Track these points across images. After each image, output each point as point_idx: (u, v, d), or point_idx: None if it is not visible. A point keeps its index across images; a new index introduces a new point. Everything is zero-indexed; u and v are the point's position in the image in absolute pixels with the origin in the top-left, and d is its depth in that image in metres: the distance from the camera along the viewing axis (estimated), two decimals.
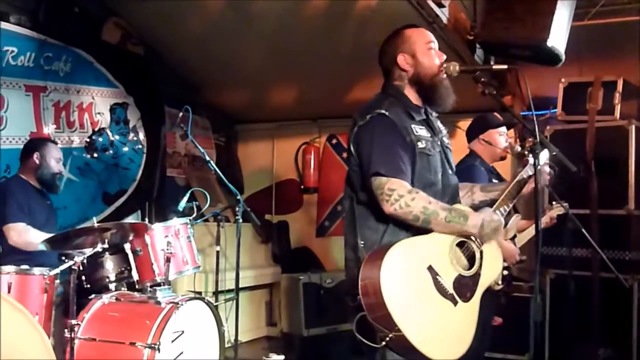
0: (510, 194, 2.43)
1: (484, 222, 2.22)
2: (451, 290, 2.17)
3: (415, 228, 2.18)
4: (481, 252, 2.28)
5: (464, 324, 2.21)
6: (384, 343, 2.05)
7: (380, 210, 2.17)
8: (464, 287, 2.21)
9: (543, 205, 3.88)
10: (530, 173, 2.45)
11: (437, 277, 2.14)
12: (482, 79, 2.37)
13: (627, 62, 4.97)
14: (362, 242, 2.24)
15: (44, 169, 3.83)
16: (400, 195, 2.12)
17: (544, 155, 2.49)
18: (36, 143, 3.99)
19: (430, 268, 2.14)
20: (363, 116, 2.28)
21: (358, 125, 2.28)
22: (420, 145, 2.27)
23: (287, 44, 5.34)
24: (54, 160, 3.87)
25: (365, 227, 2.25)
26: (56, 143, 4.23)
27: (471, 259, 2.26)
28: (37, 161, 3.82)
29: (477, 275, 2.27)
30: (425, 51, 2.36)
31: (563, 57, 3.93)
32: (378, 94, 2.42)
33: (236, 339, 4.35)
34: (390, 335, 2.02)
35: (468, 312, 2.22)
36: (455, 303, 2.17)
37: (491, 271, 2.32)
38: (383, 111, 2.25)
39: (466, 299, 2.21)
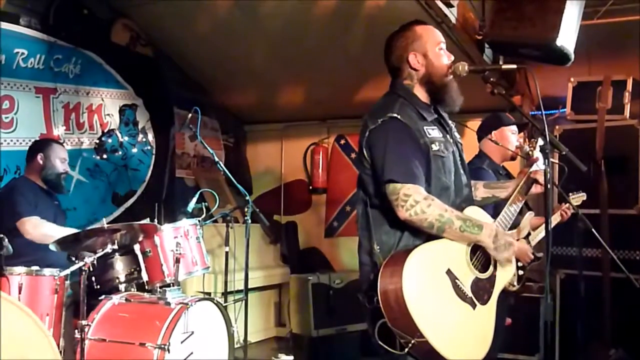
0: (519, 194, 2.42)
1: (498, 233, 2.20)
2: (470, 294, 2.16)
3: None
4: None
5: (483, 327, 2.21)
6: (406, 350, 2.03)
7: (395, 215, 2.15)
8: (481, 290, 2.21)
9: (553, 205, 3.86)
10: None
11: (456, 280, 2.14)
12: (491, 79, 2.35)
13: (636, 61, 4.94)
14: (378, 247, 2.21)
15: (48, 170, 3.83)
16: (416, 201, 2.10)
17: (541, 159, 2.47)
18: (40, 144, 4.00)
19: (449, 272, 2.13)
20: (374, 119, 2.23)
21: (369, 129, 2.23)
22: (435, 147, 2.24)
23: (295, 45, 5.35)
24: (59, 161, 3.87)
25: (381, 231, 2.23)
26: (61, 143, 4.23)
27: (486, 262, 2.25)
28: (41, 162, 3.83)
29: (492, 277, 2.26)
30: (437, 51, 2.33)
31: (572, 57, 3.91)
32: (387, 94, 2.38)
33: (245, 340, 4.36)
34: (412, 342, 2.01)
35: (486, 315, 2.22)
36: (474, 306, 2.17)
37: (505, 273, 2.31)
38: (395, 114, 2.21)
39: (484, 301, 2.21)
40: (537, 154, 2.44)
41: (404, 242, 2.19)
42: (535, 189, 2.48)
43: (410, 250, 2.10)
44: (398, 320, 2.03)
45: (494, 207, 2.61)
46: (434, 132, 2.27)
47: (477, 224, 2.17)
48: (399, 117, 2.21)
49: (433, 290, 2.09)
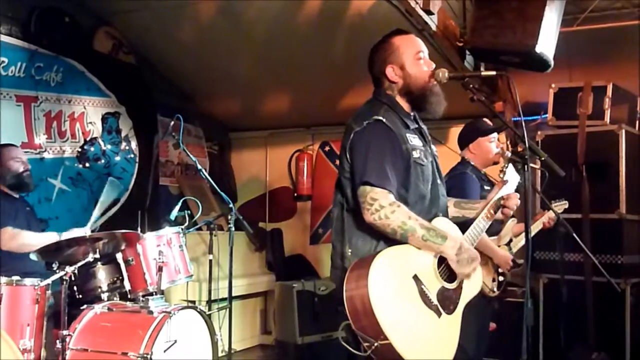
0: (489, 211, 2.42)
1: (463, 246, 2.19)
2: (435, 302, 2.15)
3: None
4: None
5: (447, 336, 2.20)
6: (369, 352, 2.01)
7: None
8: (447, 300, 2.20)
9: (535, 211, 3.89)
10: (506, 192, 2.45)
11: (422, 286, 2.13)
12: (471, 85, 2.37)
13: (616, 67, 5.01)
14: (350, 251, 2.22)
15: (6, 175, 3.75)
16: (381, 206, 2.11)
17: (514, 177, 2.47)
18: None
19: (415, 277, 2.12)
20: (359, 122, 2.24)
21: (354, 131, 2.24)
22: (415, 155, 2.25)
23: (279, 52, 5.36)
24: (12, 161, 3.78)
25: (357, 235, 2.23)
26: (12, 144, 4.05)
27: (453, 272, 2.24)
28: None
29: (459, 288, 2.26)
30: (415, 61, 2.34)
31: (552, 63, 3.96)
32: (371, 100, 2.40)
33: (230, 348, 4.33)
34: (375, 344, 2.00)
35: (451, 325, 2.21)
36: (439, 314, 2.16)
37: (473, 285, 2.31)
38: (380, 117, 2.23)
39: (449, 311, 2.20)
40: (507, 176, 2.45)
41: (381, 247, 2.18)
42: (501, 215, 2.48)
43: (377, 253, 2.10)
44: (362, 322, 2.02)
45: None
46: (415, 140, 2.30)
47: (441, 235, 2.17)
48: (383, 120, 2.23)
49: (399, 294, 2.08)
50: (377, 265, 2.05)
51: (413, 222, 2.13)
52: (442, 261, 2.21)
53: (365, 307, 2.00)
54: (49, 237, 3.51)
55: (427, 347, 2.11)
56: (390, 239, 2.17)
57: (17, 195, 3.83)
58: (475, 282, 2.33)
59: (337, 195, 2.33)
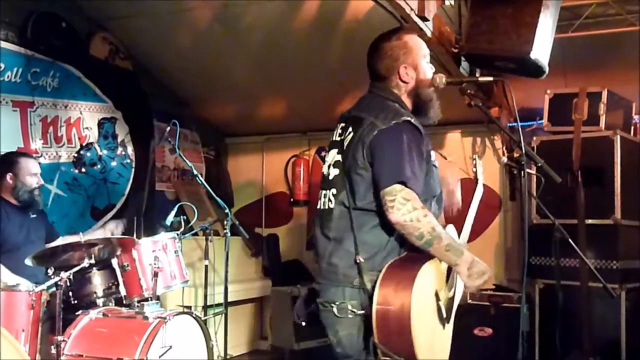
0: None
1: (474, 260, 2.14)
2: (445, 315, 2.15)
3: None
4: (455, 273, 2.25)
5: (447, 344, 2.24)
6: None
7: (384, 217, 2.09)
8: (449, 310, 2.22)
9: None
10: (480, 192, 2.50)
11: (439, 302, 2.12)
12: (469, 91, 2.38)
13: (611, 73, 5.04)
14: (361, 249, 2.14)
15: (19, 189, 3.74)
16: (414, 207, 2.05)
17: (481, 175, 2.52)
18: (8, 162, 3.84)
19: (436, 294, 2.11)
20: (384, 121, 2.17)
21: (379, 129, 2.16)
22: (432, 156, 2.27)
23: (275, 57, 5.37)
24: (29, 177, 3.77)
25: (367, 233, 2.16)
26: (30, 155, 4.08)
27: (451, 281, 2.26)
28: (12, 182, 3.74)
29: (454, 296, 2.29)
30: (425, 64, 2.34)
31: (547, 69, 3.96)
32: (378, 97, 2.32)
33: (225, 353, 4.32)
34: None
35: (449, 333, 2.24)
36: (444, 325, 2.17)
37: (460, 290, 2.33)
38: (410, 118, 2.19)
39: (448, 320, 2.22)
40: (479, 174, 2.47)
41: (390, 245, 2.15)
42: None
43: (412, 265, 2.03)
44: (392, 338, 1.96)
45: None
46: (427, 140, 2.28)
47: (459, 248, 2.13)
48: (412, 121, 2.19)
49: (427, 313, 2.07)
50: (419, 282, 1.97)
51: (440, 230, 2.08)
52: (448, 272, 2.20)
53: (402, 322, 1.93)
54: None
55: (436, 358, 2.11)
56: (399, 236, 2.13)
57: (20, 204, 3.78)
58: (461, 288, 2.33)
59: (339, 195, 2.24)
